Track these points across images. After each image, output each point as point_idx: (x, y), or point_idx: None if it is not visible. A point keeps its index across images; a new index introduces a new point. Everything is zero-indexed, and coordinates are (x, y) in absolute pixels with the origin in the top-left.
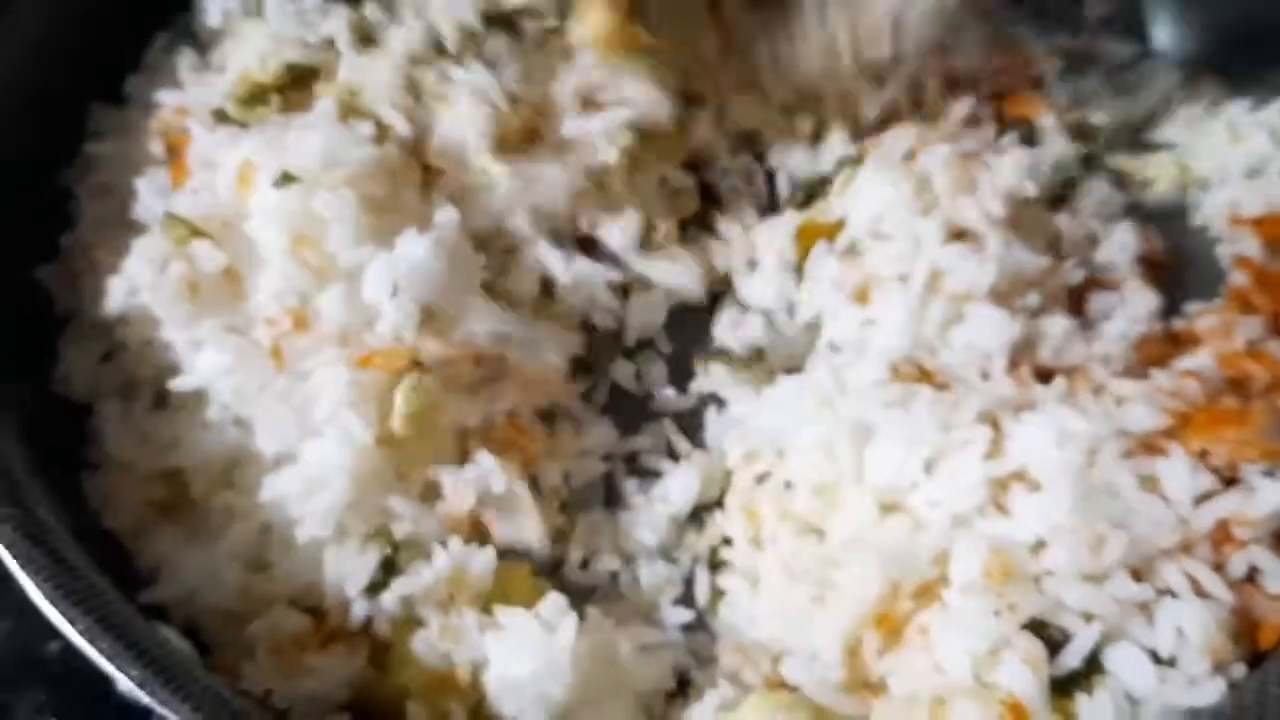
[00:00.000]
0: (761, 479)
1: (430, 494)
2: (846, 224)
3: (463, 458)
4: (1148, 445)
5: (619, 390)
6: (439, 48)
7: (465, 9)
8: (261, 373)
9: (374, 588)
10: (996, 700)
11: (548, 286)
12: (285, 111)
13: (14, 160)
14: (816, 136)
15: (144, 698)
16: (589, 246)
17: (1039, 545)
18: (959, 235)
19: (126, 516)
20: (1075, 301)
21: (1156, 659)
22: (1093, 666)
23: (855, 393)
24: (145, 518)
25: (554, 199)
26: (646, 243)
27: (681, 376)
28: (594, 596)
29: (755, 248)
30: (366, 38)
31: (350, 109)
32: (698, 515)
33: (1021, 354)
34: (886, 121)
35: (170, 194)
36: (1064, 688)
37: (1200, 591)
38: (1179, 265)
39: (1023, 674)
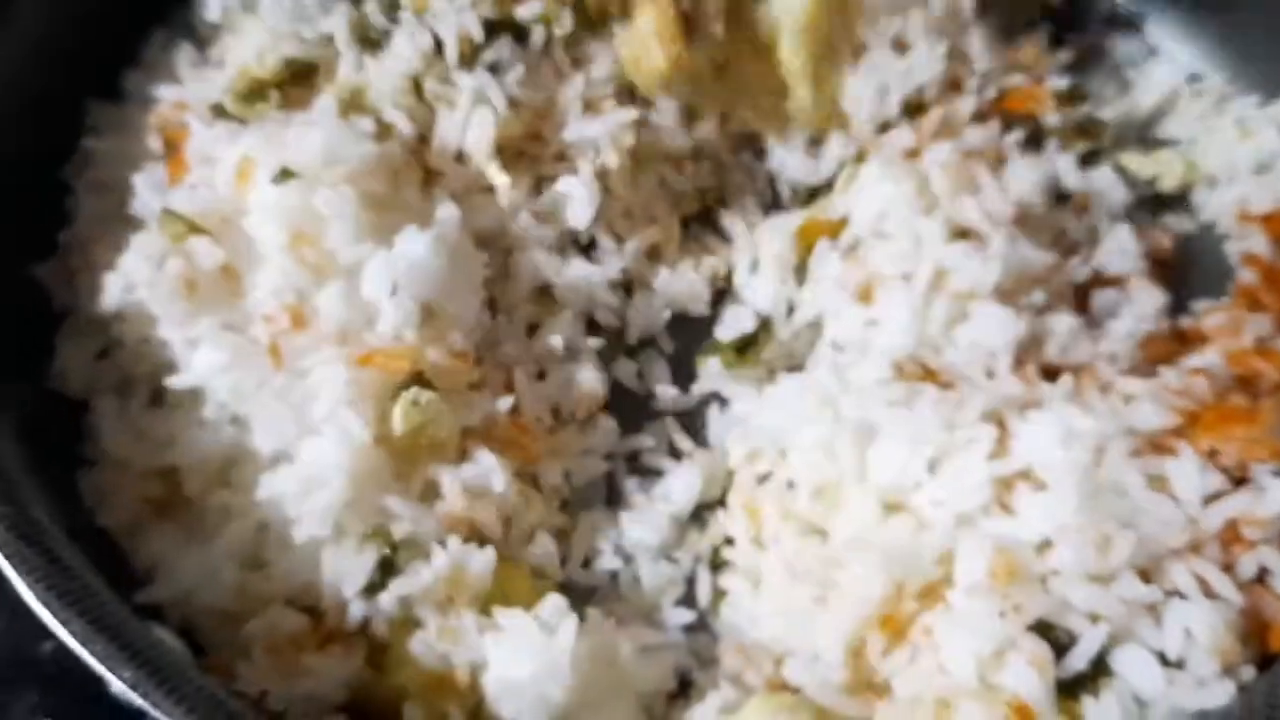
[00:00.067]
0: (764, 478)
1: (429, 493)
2: (849, 222)
3: (463, 456)
4: (1156, 444)
5: (621, 388)
6: (442, 51)
7: (468, 19)
8: (259, 371)
9: (372, 588)
10: (1002, 702)
11: (548, 285)
12: (285, 108)
13: (12, 156)
14: (817, 139)
15: (137, 699)
16: (591, 246)
17: (1045, 545)
18: (963, 233)
19: (122, 514)
20: (1081, 299)
21: (1164, 661)
22: (1100, 668)
23: (858, 391)
24: (141, 516)
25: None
26: (652, 251)
27: (684, 375)
28: (595, 597)
29: (757, 246)
30: (366, 37)
31: (351, 106)
32: (699, 515)
33: (1027, 352)
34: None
35: (168, 190)
36: (1070, 690)
37: (1209, 592)
38: (1186, 262)
39: (1028, 676)
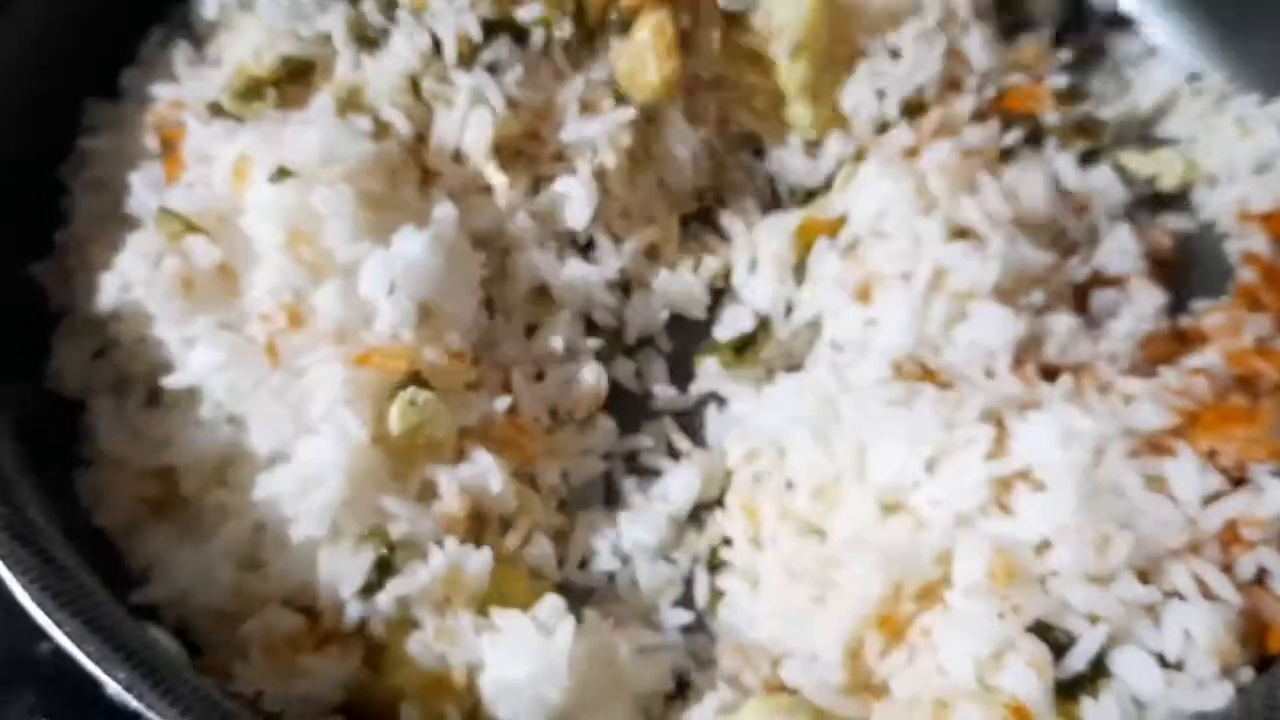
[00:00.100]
0: (762, 478)
1: (427, 494)
2: (848, 221)
3: (460, 456)
4: (1155, 444)
5: (619, 388)
6: (440, 51)
7: (467, 19)
8: (256, 370)
9: (369, 588)
10: (1000, 704)
11: (546, 285)
12: (282, 107)
13: (10, 155)
14: (815, 141)
15: (132, 701)
16: (589, 247)
17: (1044, 546)
18: (962, 233)
19: (119, 514)
20: (1080, 299)
21: (1163, 662)
22: (1098, 670)
23: (857, 391)
24: (138, 515)
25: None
26: (650, 251)
27: (682, 375)
28: (592, 597)
29: (756, 245)
30: (364, 36)
31: (349, 105)
32: (697, 515)
33: (1026, 352)
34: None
35: (165, 189)
36: (1069, 691)
37: (1208, 593)
38: (1186, 262)
39: (1027, 677)
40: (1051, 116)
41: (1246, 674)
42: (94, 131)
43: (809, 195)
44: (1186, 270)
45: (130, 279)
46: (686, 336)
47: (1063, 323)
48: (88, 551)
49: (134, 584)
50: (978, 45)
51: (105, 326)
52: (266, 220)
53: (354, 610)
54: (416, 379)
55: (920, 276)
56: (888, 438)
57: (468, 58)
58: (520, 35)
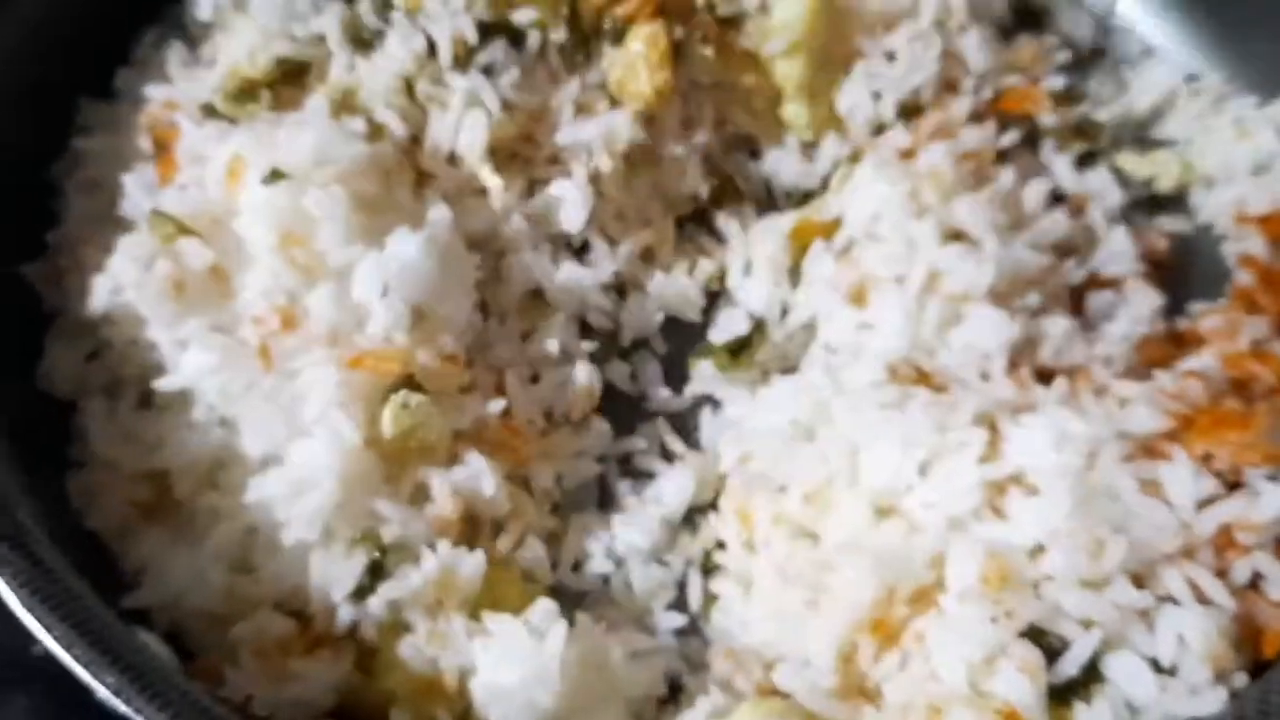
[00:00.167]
0: (755, 481)
1: (419, 496)
2: (843, 223)
3: (453, 459)
4: (1149, 448)
5: (613, 390)
6: (435, 52)
7: (462, 21)
8: (248, 372)
9: (361, 591)
10: (993, 709)
11: (540, 288)
12: (276, 108)
13: (5, 155)
14: (811, 142)
15: (120, 706)
16: (584, 249)
17: (1037, 550)
18: (957, 235)
19: (111, 517)
20: (1076, 301)
21: (1157, 667)
22: (1091, 675)
23: (851, 394)
24: (130, 518)
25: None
26: (646, 253)
27: (677, 377)
28: (586, 601)
29: (751, 247)
30: (358, 37)
31: (343, 106)
32: (691, 518)
33: (1021, 355)
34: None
35: (158, 190)
36: (1062, 696)
37: (1202, 598)
38: (1183, 264)
39: (1020, 682)
40: (1048, 118)
41: (1240, 679)
42: (87, 132)
43: (805, 197)
44: (1183, 272)
45: (122, 281)
46: (681, 339)
47: (1058, 325)
48: (79, 554)
49: (126, 587)
50: (974, 46)
51: (97, 328)
52: (259, 222)
53: (345, 614)
54: (409, 382)
55: (915, 279)
56: (881, 441)
57: (463, 60)
58: (516, 38)
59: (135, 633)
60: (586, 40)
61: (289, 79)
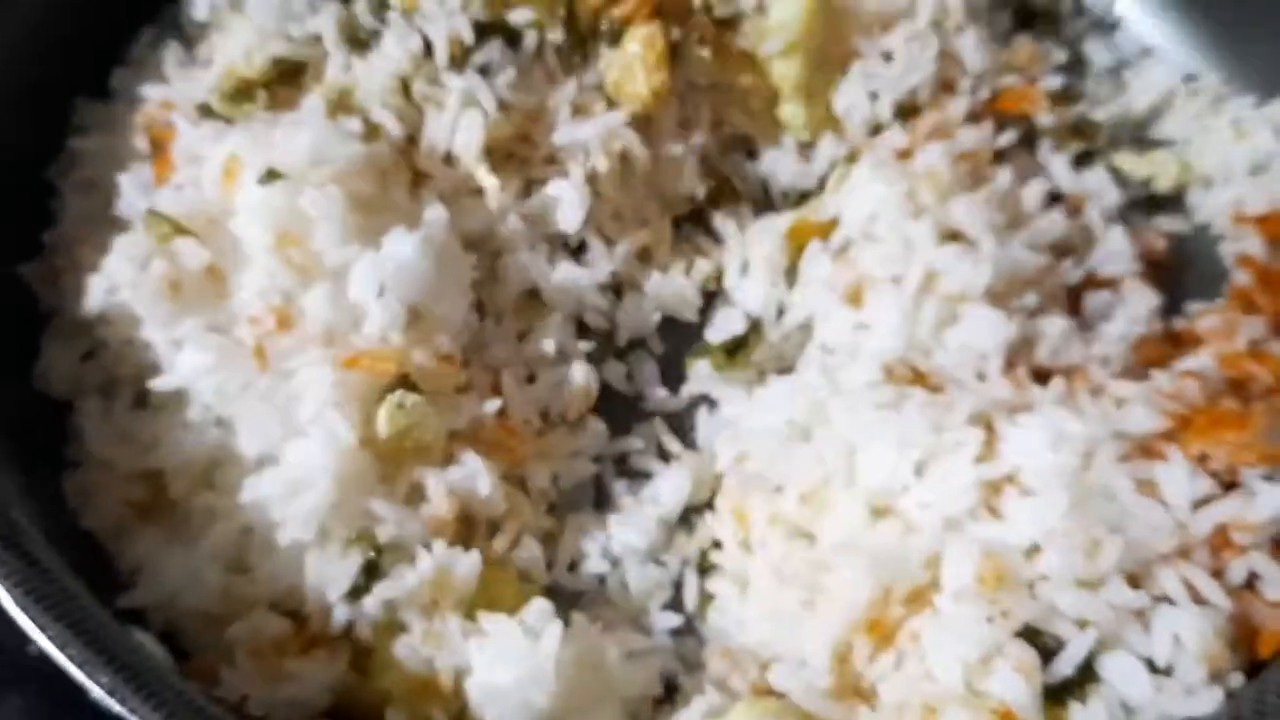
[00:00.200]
0: (752, 481)
1: (415, 496)
2: (840, 223)
3: (449, 459)
4: (1145, 448)
5: (610, 390)
6: (431, 52)
7: (458, 21)
8: (244, 372)
9: (356, 591)
10: (988, 709)
11: (537, 288)
12: (272, 108)
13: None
14: (808, 142)
15: (114, 705)
16: (580, 249)
17: (1033, 550)
18: (953, 235)
19: (106, 516)
20: (1074, 301)
21: (1152, 667)
22: (1087, 675)
23: (847, 394)
24: (125, 518)
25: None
26: (643, 253)
27: (673, 377)
28: (582, 600)
29: (747, 247)
30: (354, 37)
31: (339, 106)
32: (688, 518)
33: (1018, 355)
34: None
35: (154, 190)
36: (1057, 696)
37: (1198, 598)
38: (1180, 264)
39: (1015, 682)
40: (1046, 118)
41: (1236, 679)
42: (84, 132)
43: (802, 197)
44: (1181, 272)
45: (118, 281)
46: (678, 339)
47: (1055, 325)
48: (75, 554)
49: (121, 587)
50: (971, 46)
51: (93, 328)
52: (255, 222)
53: (341, 614)
54: (405, 382)
55: (911, 279)
56: (877, 441)
57: (459, 60)
58: (512, 38)
59: (130, 632)
60: (583, 41)
61: (285, 79)
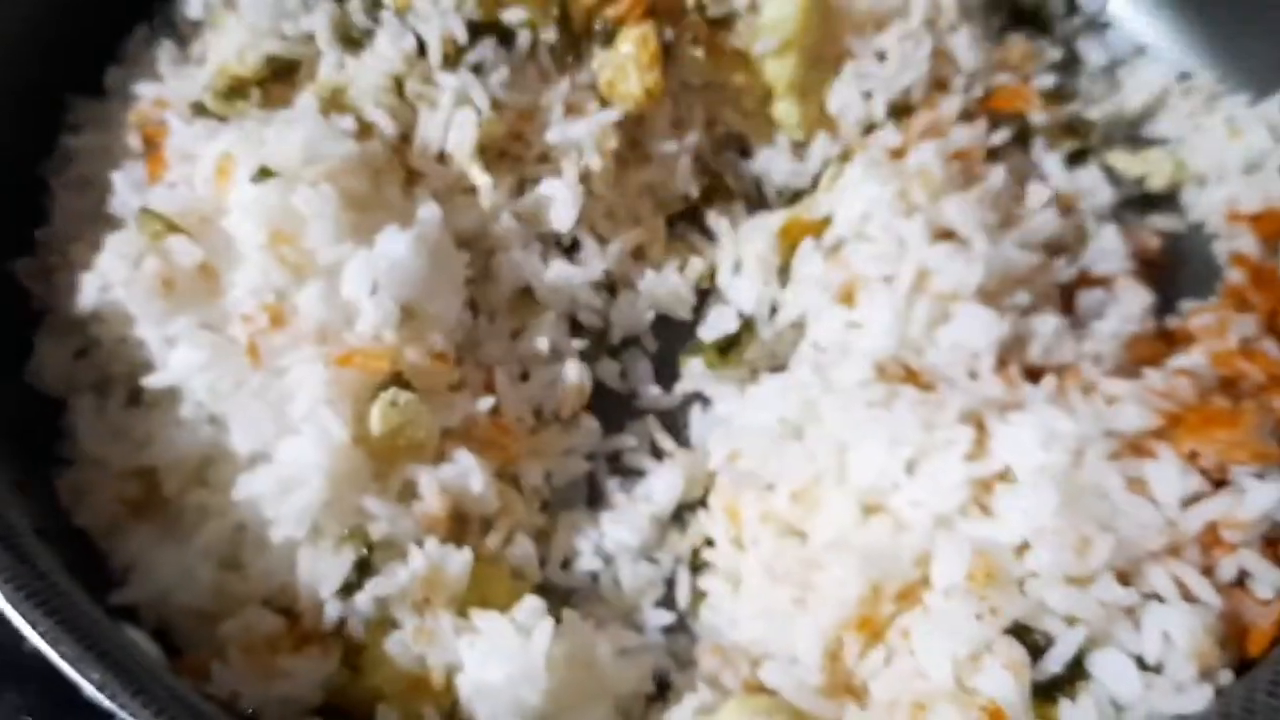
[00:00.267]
0: (744, 479)
1: (408, 494)
2: (833, 222)
3: (442, 457)
4: (1136, 446)
5: (603, 388)
6: (425, 51)
7: (452, 20)
8: (237, 370)
9: (348, 588)
10: (978, 706)
11: (530, 286)
12: (265, 106)
13: None
14: (802, 141)
15: (106, 702)
16: (574, 248)
17: (1023, 547)
18: (946, 234)
19: (100, 514)
20: (1067, 299)
21: (1142, 665)
22: (1076, 672)
23: (839, 393)
24: (118, 516)
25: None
26: (636, 251)
27: (667, 375)
28: (574, 598)
29: (740, 245)
30: (348, 36)
31: (332, 104)
32: (680, 515)
33: (1010, 353)
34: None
35: (147, 188)
36: (1047, 693)
37: (1188, 596)
38: (1174, 262)
39: (1004, 679)
40: (1039, 116)
41: (1226, 677)
42: (77, 130)
43: (795, 196)
44: (1174, 271)
45: (111, 279)
46: (671, 337)
47: (1048, 324)
48: (68, 552)
49: (114, 584)
50: (965, 45)
51: (86, 326)
52: (248, 220)
53: (333, 610)
54: (398, 380)
55: (904, 278)
56: (868, 439)
57: (452, 59)
58: (506, 37)
59: (122, 629)
60: (577, 41)
61: (278, 77)
